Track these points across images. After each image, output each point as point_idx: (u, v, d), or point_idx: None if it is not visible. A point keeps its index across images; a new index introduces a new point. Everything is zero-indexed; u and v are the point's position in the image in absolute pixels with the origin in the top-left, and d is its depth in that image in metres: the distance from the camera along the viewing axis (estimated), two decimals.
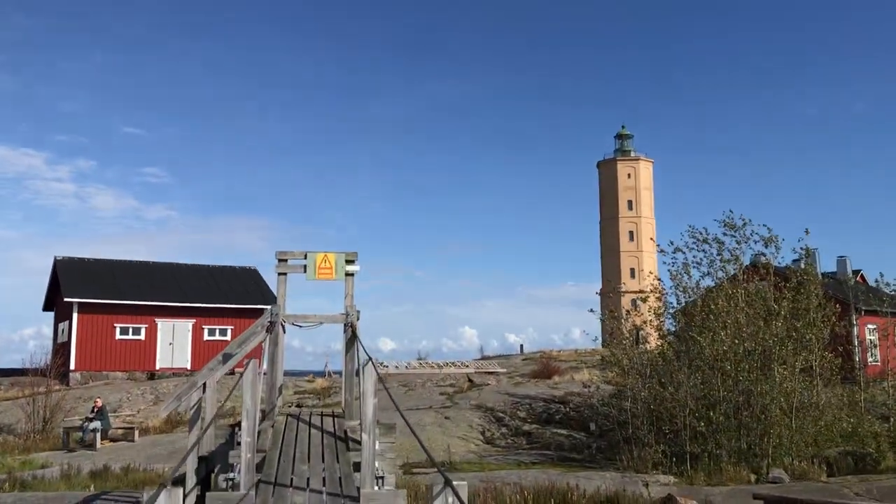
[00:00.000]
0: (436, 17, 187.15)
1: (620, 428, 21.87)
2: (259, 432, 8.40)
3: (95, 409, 24.06)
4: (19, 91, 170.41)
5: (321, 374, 55.80)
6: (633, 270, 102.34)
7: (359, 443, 7.93)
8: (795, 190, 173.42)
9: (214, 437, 8.76)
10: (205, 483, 8.89)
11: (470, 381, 38.51)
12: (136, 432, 24.83)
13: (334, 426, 9.24)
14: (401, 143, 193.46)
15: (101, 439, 23.48)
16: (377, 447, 6.53)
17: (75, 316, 38.01)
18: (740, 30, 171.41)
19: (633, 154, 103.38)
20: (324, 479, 6.79)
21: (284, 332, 10.57)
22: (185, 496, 8.50)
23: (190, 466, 8.69)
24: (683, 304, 24.66)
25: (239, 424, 8.03)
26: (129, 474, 18.58)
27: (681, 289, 24.76)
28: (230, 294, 41.85)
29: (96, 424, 23.37)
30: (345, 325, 9.79)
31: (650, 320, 25.98)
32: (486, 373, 55.55)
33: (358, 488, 6.37)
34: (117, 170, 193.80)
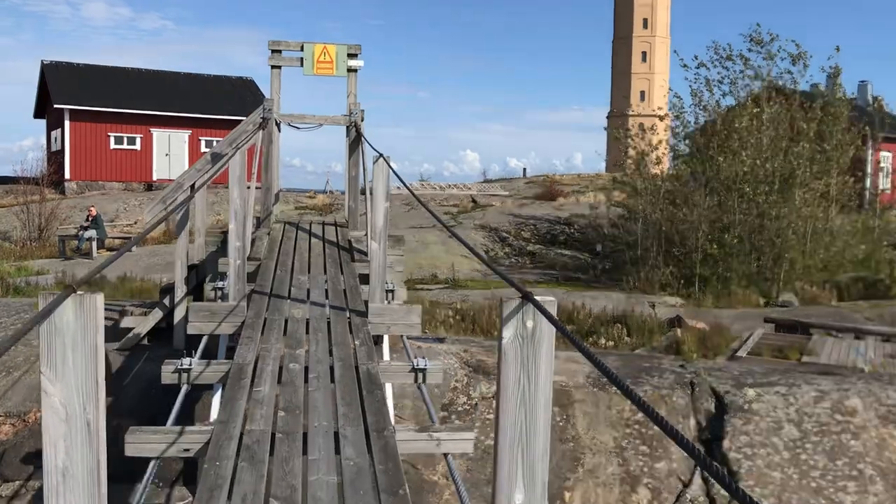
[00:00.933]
0: None
1: (629, 249, 21.34)
2: (253, 240, 7.59)
3: (90, 218, 23.42)
4: None
5: (322, 191, 55.30)
6: (643, 93, 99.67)
7: (365, 254, 7.11)
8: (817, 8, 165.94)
9: (205, 246, 7.99)
10: (197, 293, 8.22)
11: (474, 201, 37.89)
12: None
13: (337, 236, 8.40)
14: None
15: (98, 248, 23.00)
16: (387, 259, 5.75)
17: (67, 124, 36.64)
18: None
19: None
20: (326, 290, 5.95)
21: (280, 130, 9.50)
22: (174, 306, 7.82)
23: (178, 275, 7.95)
24: (703, 124, 23.48)
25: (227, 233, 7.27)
26: (125, 283, 18.16)
27: (701, 107, 23.50)
28: (226, 105, 40.24)
29: (91, 233, 22.80)
30: (347, 126, 8.71)
31: (664, 140, 24.88)
32: (488, 195, 55.38)
33: (365, 302, 5.60)
34: None
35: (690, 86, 23.65)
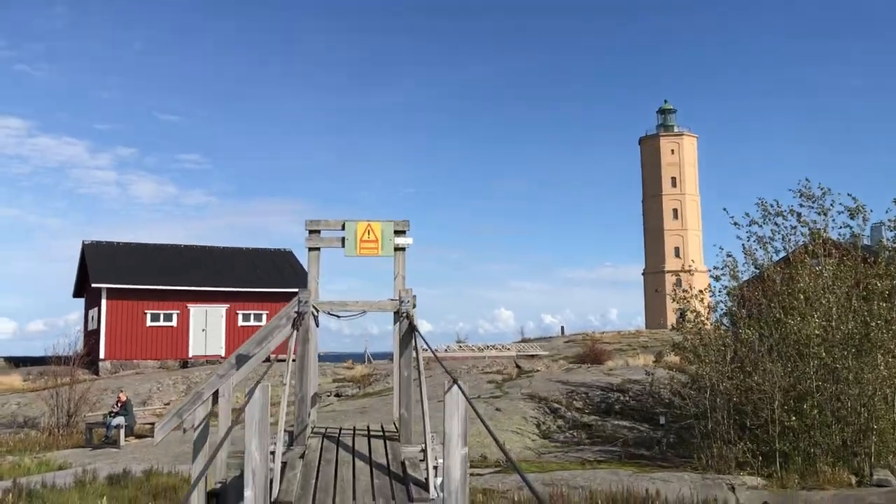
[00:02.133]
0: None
1: (697, 422, 19.48)
2: (283, 466, 6.25)
3: (119, 404, 22.29)
4: (57, 80, 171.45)
5: (360, 357, 54.07)
6: (677, 249, 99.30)
7: (424, 486, 5.68)
8: (848, 163, 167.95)
9: (227, 468, 6.69)
10: None
11: (518, 366, 36.30)
12: None
13: (387, 455, 6.96)
14: (433, 125, 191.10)
15: (126, 436, 21.71)
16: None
17: (104, 302, 36.40)
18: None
19: (676, 129, 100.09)
20: None
21: (318, 324, 8.38)
22: None
23: None
24: (750, 279, 22.16)
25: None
26: (150, 478, 16.72)
27: (755, 265, 22.27)
28: (265, 278, 40.00)
29: (119, 420, 21.59)
30: (397, 314, 7.54)
31: (706, 302, 23.39)
32: (528, 356, 53.78)
33: None
34: (157, 156, 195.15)
35: (743, 244, 22.53)
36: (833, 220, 21.88)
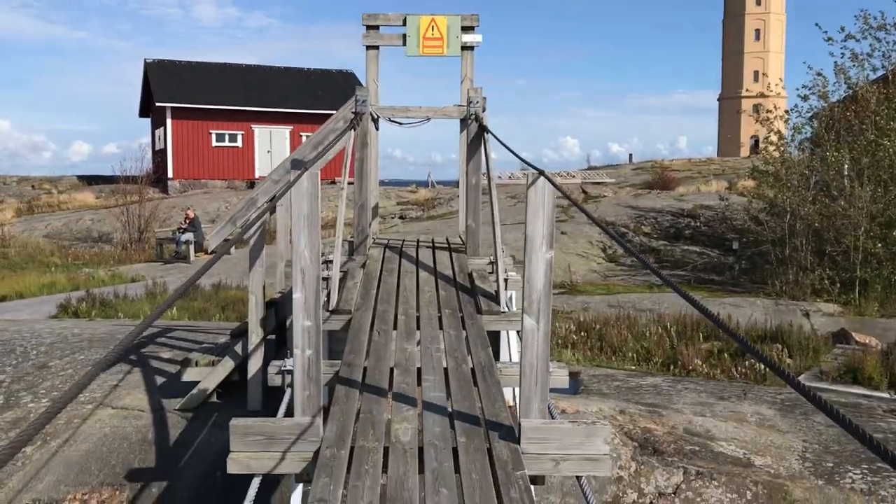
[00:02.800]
0: None
1: (774, 247, 18.72)
2: (343, 276, 5.82)
3: (187, 220, 22.51)
4: None
5: (424, 184, 53.94)
6: (756, 73, 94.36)
7: (494, 299, 5.18)
8: None
9: (285, 276, 6.35)
10: (278, 335, 6.57)
11: (584, 192, 35.56)
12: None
13: (453, 266, 6.45)
14: None
15: (196, 252, 22.06)
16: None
17: (169, 122, 36.37)
18: None
19: None
20: (446, 373, 3.92)
21: (377, 128, 7.70)
22: (247, 355, 6.18)
23: (254, 316, 6.31)
24: (841, 100, 20.55)
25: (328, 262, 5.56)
26: (219, 292, 16.96)
27: (847, 84, 20.58)
28: (328, 99, 39.22)
29: (189, 236, 21.87)
30: (466, 118, 6.79)
31: (806, 124, 21.94)
32: (594, 183, 52.90)
33: (511, 409, 3.67)
34: None
35: (836, 62, 20.74)
36: None
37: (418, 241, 7.81)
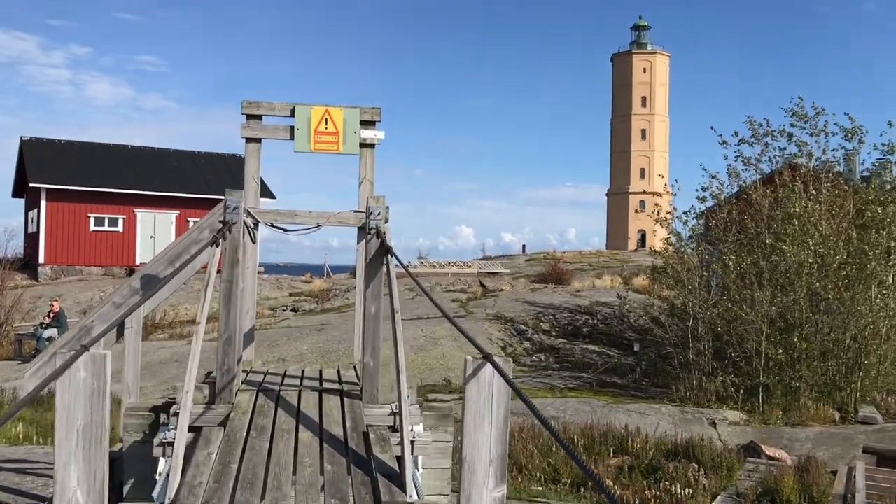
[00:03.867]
0: None
1: (677, 351, 18.32)
2: (196, 440, 4.57)
3: (52, 314, 20.44)
4: None
5: (320, 270, 52.47)
6: (643, 171, 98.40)
7: (396, 478, 4.01)
8: (819, 86, 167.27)
9: (125, 430, 5.06)
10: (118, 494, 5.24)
11: (482, 285, 35.01)
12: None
13: (344, 420, 5.12)
14: (396, 30, 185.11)
15: None
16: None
17: (43, 204, 33.95)
18: None
19: (649, 47, 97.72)
20: None
21: (254, 239, 6.51)
22: None
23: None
24: (728, 199, 20.81)
25: (167, 407, 4.33)
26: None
27: (740, 186, 20.95)
28: (219, 183, 37.67)
29: (52, 332, 19.78)
30: (363, 229, 5.71)
31: (701, 225, 22.06)
32: (490, 273, 53.22)
33: None
34: (113, 57, 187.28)
35: (729, 164, 21.12)
36: (826, 141, 20.54)
37: (302, 377, 6.55)
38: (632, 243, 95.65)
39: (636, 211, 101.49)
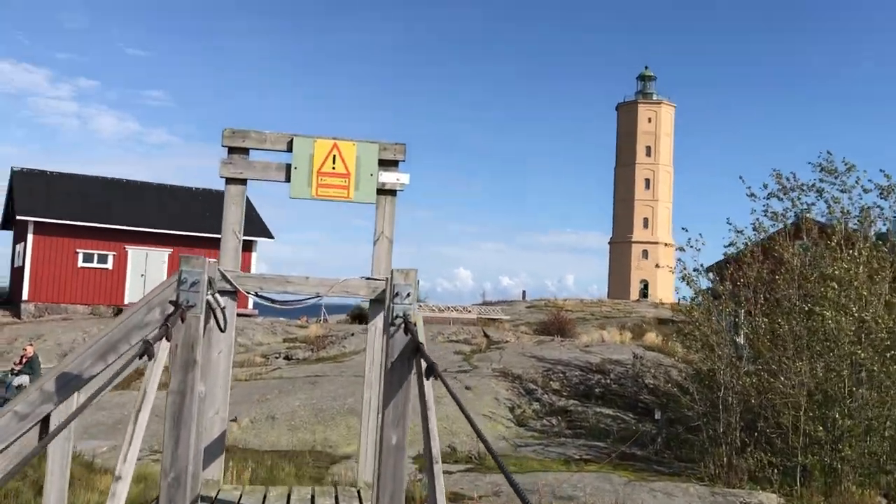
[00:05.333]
0: None
1: (706, 423, 16.72)
2: None
3: (24, 360, 18.85)
4: (17, 3, 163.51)
5: (317, 317, 51.02)
6: (646, 220, 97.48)
7: None
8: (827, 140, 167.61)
9: None
10: None
11: (486, 335, 33.41)
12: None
13: None
14: (402, 70, 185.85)
15: None
16: None
17: (30, 237, 32.48)
18: None
19: (655, 97, 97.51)
20: None
21: (223, 327, 4.87)
22: None
23: None
24: (756, 246, 19.42)
25: None
26: (42, 461, 13.37)
27: (766, 244, 19.56)
28: (213, 221, 36.30)
29: (23, 379, 18.20)
30: (380, 301, 4.20)
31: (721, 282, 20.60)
32: (490, 319, 52.43)
33: None
34: (119, 91, 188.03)
35: (757, 218, 19.78)
36: (860, 198, 19.25)
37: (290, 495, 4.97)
38: (634, 293, 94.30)
39: (639, 259, 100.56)
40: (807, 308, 16.48)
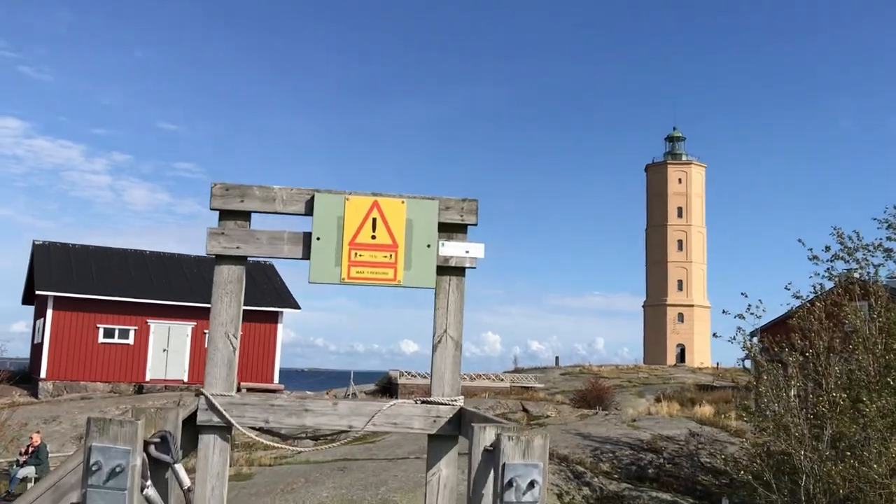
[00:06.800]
0: (470, 15, 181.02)
1: None
2: None
3: (30, 449, 17.41)
4: (60, 84, 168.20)
5: (345, 379, 49.38)
6: (680, 282, 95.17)
7: None
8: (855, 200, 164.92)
9: None
10: None
11: (525, 410, 31.55)
12: None
13: None
14: (431, 145, 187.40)
15: None
16: None
17: (49, 313, 31.40)
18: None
19: (684, 157, 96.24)
20: None
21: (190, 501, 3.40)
22: None
23: None
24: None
25: None
26: None
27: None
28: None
29: (28, 471, 16.73)
30: (440, 441, 2.75)
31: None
32: (523, 387, 51.15)
33: None
34: (152, 164, 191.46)
35: (819, 283, 18.11)
36: None
37: None
38: (671, 357, 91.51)
39: (675, 323, 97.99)
40: (892, 381, 14.68)
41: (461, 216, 3.59)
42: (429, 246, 3.48)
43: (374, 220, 3.46)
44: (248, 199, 3.52)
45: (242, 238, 3.57)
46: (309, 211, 3.52)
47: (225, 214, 3.54)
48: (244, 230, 3.57)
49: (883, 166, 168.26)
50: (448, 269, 3.57)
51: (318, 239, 3.48)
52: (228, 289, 3.59)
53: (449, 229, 3.58)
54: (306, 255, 3.50)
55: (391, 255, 3.44)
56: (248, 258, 3.63)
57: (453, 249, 3.47)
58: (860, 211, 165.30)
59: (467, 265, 3.54)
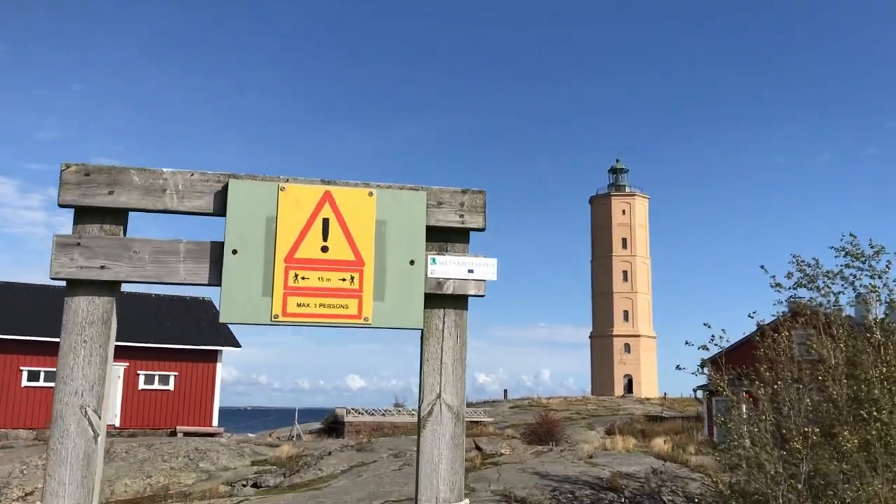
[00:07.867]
0: (414, 52, 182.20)
1: None
2: None
3: None
4: None
5: (289, 417, 47.77)
6: (626, 313, 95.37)
7: None
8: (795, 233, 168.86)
9: None
10: None
11: (478, 448, 30.28)
12: None
13: None
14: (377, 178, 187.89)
15: None
16: None
17: None
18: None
19: (628, 189, 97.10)
20: None
21: None
22: None
23: None
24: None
25: None
26: None
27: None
28: (176, 331, 33.37)
29: None
30: None
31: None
32: (473, 422, 50.43)
33: None
34: None
35: (783, 312, 17.43)
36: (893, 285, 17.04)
37: None
38: (618, 388, 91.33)
39: (622, 353, 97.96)
40: (865, 414, 13.95)
41: (461, 216, 2.44)
42: (412, 263, 2.30)
43: (326, 221, 2.16)
44: (122, 188, 2.24)
45: (111, 252, 2.31)
46: (220, 208, 2.26)
47: (84, 214, 2.31)
48: (115, 239, 2.31)
49: (813, 198, 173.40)
50: (442, 299, 2.42)
51: (233, 252, 2.19)
52: (87, 335, 2.38)
53: (443, 236, 2.44)
54: (215, 280, 2.24)
55: (353, 278, 2.16)
56: (123, 284, 2.40)
57: (450, 268, 2.20)
58: (801, 239, 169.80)
59: (471, 292, 2.30)
